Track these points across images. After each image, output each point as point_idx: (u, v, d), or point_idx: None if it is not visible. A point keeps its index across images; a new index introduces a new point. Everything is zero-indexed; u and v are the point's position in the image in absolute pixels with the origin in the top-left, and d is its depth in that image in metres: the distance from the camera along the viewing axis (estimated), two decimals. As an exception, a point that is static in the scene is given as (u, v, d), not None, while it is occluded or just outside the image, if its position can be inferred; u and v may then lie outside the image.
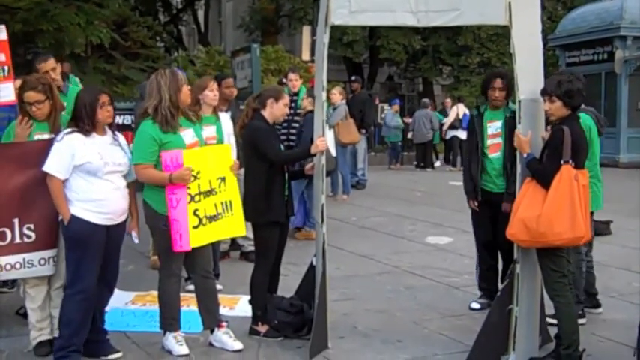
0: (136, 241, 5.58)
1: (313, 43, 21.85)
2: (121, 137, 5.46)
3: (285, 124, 9.38)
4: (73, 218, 5.11)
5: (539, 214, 5.03)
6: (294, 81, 10.27)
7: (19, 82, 6.76)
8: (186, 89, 5.57)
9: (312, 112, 9.11)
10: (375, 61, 32.39)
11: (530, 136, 5.25)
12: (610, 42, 21.32)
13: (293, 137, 9.63)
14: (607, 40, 21.40)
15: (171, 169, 5.34)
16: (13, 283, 6.71)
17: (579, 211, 5.02)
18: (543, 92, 5.27)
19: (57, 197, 5.12)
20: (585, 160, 5.31)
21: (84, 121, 5.17)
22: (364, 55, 31.39)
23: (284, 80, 14.18)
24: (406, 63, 31.79)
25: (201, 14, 40.99)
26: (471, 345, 5.42)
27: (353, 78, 18.11)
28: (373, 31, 28.66)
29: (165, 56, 34.31)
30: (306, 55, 21.97)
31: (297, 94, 10.08)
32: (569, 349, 5.15)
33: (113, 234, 5.33)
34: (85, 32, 23.94)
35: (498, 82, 6.57)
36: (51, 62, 6.42)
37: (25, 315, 6.04)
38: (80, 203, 5.14)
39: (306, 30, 22.54)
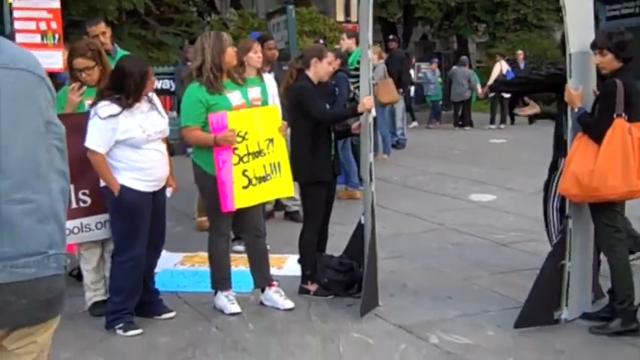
0: (168, 195, 5.59)
1: (347, 4, 21.78)
2: (155, 98, 5.43)
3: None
4: (123, 188, 5.11)
5: (592, 168, 4.96)
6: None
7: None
8: (231, 51, 5.55)
9: (341, 71, 9.18)
10: (409, 21, 32.15)
11: (582, 90, 5.16)
12: (652, -6, 20.87)
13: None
14: (649, -8, 20.95)
15: (218, 130, 5.36)
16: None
17: (633, 165, 4.94)
18: (594, 46, 5.17)
19: (102, 170, 5.12)
20: (639, 112, 5.21)
21: (129, 94, 5.10)
22: (398, 15, 31.12)
23: (320, 41, 14.14)
24: (440, 21, 31.48)
25: (233, -23, 40.80)
26: (521, 301, 5.39)
27: (390, 37, 17.95)
28: (407, -10, 28.42)
29: (199, 20, 34.31)
30: (340, 16, 21.79)
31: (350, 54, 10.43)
32: (624, 304, 5.10)
33: (158, 198, 5.37)
34: (117, -2, 24.00)
35: None
36: (101, 26, 6.45)
37: (78, 277, 6.15)
38: (128, 172, 5.14)
39: (340, -10, 22.31)
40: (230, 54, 5.55)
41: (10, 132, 2.24)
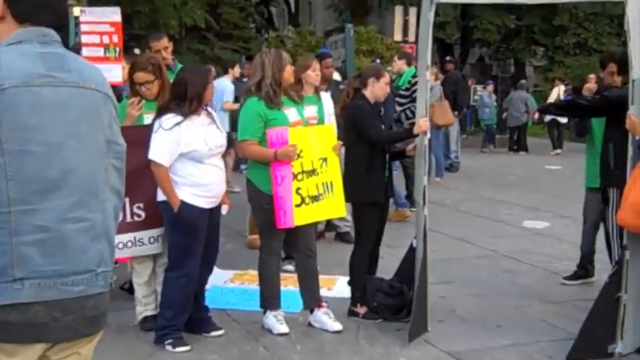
0: (224, 212, 5.61)
1: (405, 24, 21.69)
2: (213, 112, 5.46)
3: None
4: (183, 204, 5.12)
5: (652, 198, 4.86)
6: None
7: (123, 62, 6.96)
8: (289, 68, 5.58)
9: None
10: (466, 42, 32.00)
11: (644, 119, 5.07)
12: None
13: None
14: None
15: (277, 145, 5.36)
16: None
17: (693, 196, 4.83)
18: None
19: (164, 184, 5.12)
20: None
21: (191, 103, 5.12)
22: (455, 36, 31.02)
23: (378, 61, 14.14)
24: (498, 44, 31.27)
25: (291, -5, 41.18)
26: (573, 333, 5.29)
27: (447, 58, 17.88)
28: (465, 12, 28.27)
29: (257, 37, 34.69)
30: (397, 36, 21.71)
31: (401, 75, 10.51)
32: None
33: (214, 215, 5.39)
34: (179, 13, 24.41)
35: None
36: (164, 41, 6.55)
37: (129, 290, 6.21)
38: (188, 188, 5.15)
39: (398, 10, 22.20)
40: (289, 72, 5.59)
41: (76, 152, 2.28)
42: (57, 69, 2.28)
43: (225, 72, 12.32)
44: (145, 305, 5.67)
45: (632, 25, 5.01)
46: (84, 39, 6.81)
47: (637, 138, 5.04)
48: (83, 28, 6.74)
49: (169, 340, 5.25)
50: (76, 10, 16.28)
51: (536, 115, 19.64)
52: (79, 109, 2.31)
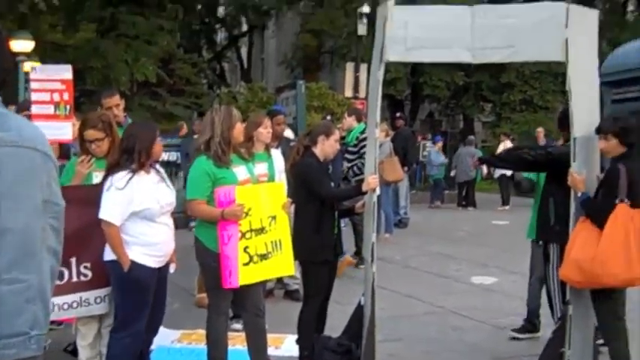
0: (172, 271, 5.56)
1: (356, 80, 22.02)
2: (161, 170, 5.45)
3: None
4: (133, 263, 5.06)
5: (594, 255, 4.95)
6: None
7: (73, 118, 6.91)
8: (239, 126, 5.58)
9: None
10: (416, 98, 32.51)
11: (585, 175, 5.18)
12: (657, 80, 21.11)
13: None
14: (653, 77, 21.20)
15: (225, 204, 5.35)
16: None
17: (635, 252, 4.93)
18: (598, 130, 5.23)
19: (115, 244, 5.05)
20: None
21: (140, 156, 5.08)
22: (406, 92, 31.50)
23: (328, 118, 14.27)
24: (447, 100, 31.85)
25: (244, 51, 41.60)
26: (521, 388, 5.33)
27: (397, 115, 18.12)
28: (415, 68, 28.78)
29: (209, 93, 34.84)
30: (349, 92, 22.04)
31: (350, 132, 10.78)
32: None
33: (162, 273, 5.34)
34: (131, 69, 24.47)
35: None
36: (116, 98, 6.55)
37: (72, 352, 6.10)
38: (139, 247, 5.10)
39: (349, 66, 22.62)
40: (238, 129, 5.58)
41: (11, 212, 2.23)
42: None
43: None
44: (90, 367, 5.55)
45: (573, 85, 5.15)
46: (34, 96, 6.76)
47: (579, 195, 5.15)
48: (33, 85, 6.69)
49: None
50: (27, 66, 16.18)
51: (484, 169, 19.88)
52: (17, 168, 2.26)
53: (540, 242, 6.37)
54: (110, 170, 5.16)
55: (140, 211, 5.06)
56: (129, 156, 5.09)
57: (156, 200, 5.13)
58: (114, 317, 5.33)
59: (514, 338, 7.00)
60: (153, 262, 5.15)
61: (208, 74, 36.97)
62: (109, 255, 5.14)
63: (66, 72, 6.55)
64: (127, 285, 5.11)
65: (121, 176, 5.03)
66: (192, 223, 9.00)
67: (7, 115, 2.34)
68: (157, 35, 26.48)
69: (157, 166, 5.39)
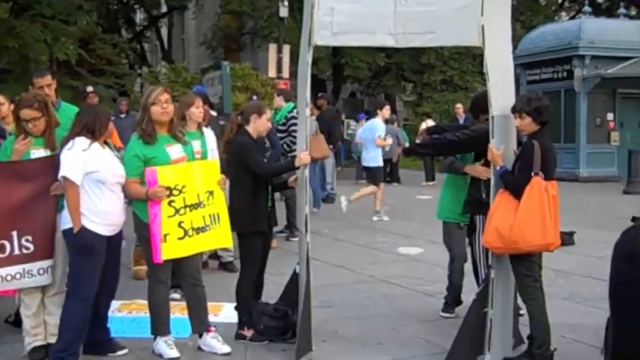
0: (124, 245, 5.86)
1: (279, 61, 22.18)
2: (111, 145, 5.75)
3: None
4: (84, 230, 5.34)
5: (512, 223, 5.35)
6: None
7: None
8: (156, 108, 5.73)
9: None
10: (338, 78, 32.82)
11: (503, 150, 5.57)
12: (569, 61, 21.91)
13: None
14: (566, 59, 21.99)
15: (151, 184, 5.63)
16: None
17: (549, 220, 5.36)
18: (514, 110, 5.61)
19: (73, 202, 5.32)
20: (554, 171, 5.64)
21: (98, 131, 5.48)
22: (328, 72, 31.78)
23: (254, 97, 14.52)
24: (369, 80, 32.29)
25: (164, 31, 41.15)
26: (447, 347, 5.71)
27: (319, 95, 18.41)
28: (337, 49, 29.04)
29: (131, 73, 34.45)
30: (272, 72, 22.20)
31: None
32: (542, 349, 5.49)
33: (114, 242, 5.63)
34: (51, 49, 24.04)
35: None
36: (47, 78, 6.60)
37: (14, 323, 6.27)
38: (89, 215, 5.38)
39: (272, 47, 22.73)
40: (155, 110, 5.74)
41: None
42: None
43: (376, 113, 13.81)
44: (34, 336, 5.72)
45: (491, 68, 5.54)
46: None
47: (497, 168, 5.55)
48: None
49: None
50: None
51: (397, 155, 20.24)
52: None
53: (461, 223, 6.74)
54: (70, 137, 5.44)
55: (93, 172, 5.36)
56: (88, 129, 5.43)
57: (109, 169, 5.46)
58: (67, 283, 5.58)
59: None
60: (104, 230, 5.44)
61: (129, 54, 36.56)
62: (65, 224, 5.41)
63: None
64: (76, 248, 5.39)
65: (83, 140, 5.38)
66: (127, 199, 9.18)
67: None
68: (75, 15, 26.06)
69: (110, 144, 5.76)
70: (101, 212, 5.43)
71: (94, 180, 5.40)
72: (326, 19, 5.73)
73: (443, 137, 6.60)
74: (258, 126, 6.32)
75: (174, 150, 5.83)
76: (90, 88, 12.19)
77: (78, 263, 5.45)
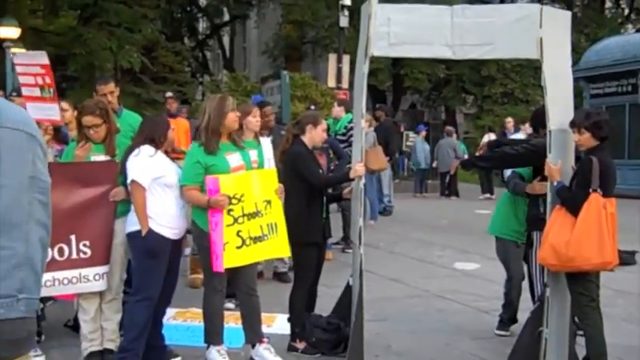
0: (186, 253, 5.93)
1: (339, 71, 22.20)
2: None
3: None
4: (151, 232, 5.47)
5: (568, 239, 5.25)
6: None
7: (64, 104, 7.11)
8: (232, 115, 5.85)
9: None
10: (398, 89, 32.75)
11: (560, 165, 5.48)
12: (634, 74, 21.47)
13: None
14: (631, 72, 21.54)
15: (212, 192, 5.65)
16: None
17: (607, 238, 5.24)
18: (572, 124, 5.51)
19: (140, 205, 5.48)
20: (613, 188, 5.52)
21: (159, 140, 5.64)
22: (387, 83, 31.74)
23: (312, 107, 14.56)
24: (429, 91, 32.16)
25: (226, 40, 41.60)
26: (501, 366, 5.64)
27: (377, 106, 18.38)
28: (397, 60, 29.01)
29: (192, 81, 34.92)
30: (331, 82, 22.24)
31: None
32: (598, 371, 5.37)
33: (176, 247, 5.74)
34: (115, 56, 24.53)
35: None
36: (110, 86, 6.73)
37: (72, 327, 6.37)
38: (157, 217, 5.52)
39: (332, 57, 22.79)
40: (231, 117, 5.84)
41: None
42: None
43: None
44: (91, 341, 5.81)
45: (549, 81, 5.46)
46: (21, 80, 6.99)
47: (554, 184, 5.46)
48: (18, 69, 6.90)
49: None
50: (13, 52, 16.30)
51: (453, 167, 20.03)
52: (1, 147, 2.46)
53: (519, 242, 6.64)
54: (134, 146, 5.63)
55: (161, 177, 5.53)
56: (150, 139, 5.59)
57: (175, 174, 5.64)
58: (130, 283, 5.75)
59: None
60: (168, 232, 5.58)
61: (191, 62, 37.04)
62: (130, 226, 5.56)
63: (42, 57, 6.71)
64: (143, 250, 5.51)
65: (148, 147, 5.56)
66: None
67: None
68: (139, 23, 26.56)
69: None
70: (167, 216, 5.57)
71: (162, 184, 5.55)
72: (383, 29, 5.72)
73: (501, 151, 6.53)
74: (314, 136, 6.34)
75: (234, 158, 5.87)
76: (169, 94, 12.39)
77: (143, 265, 5.59)
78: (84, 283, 5.68)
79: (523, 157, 6.33)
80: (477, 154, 7.76)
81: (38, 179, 2.58)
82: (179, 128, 10.23)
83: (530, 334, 5.55)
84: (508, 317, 6.98)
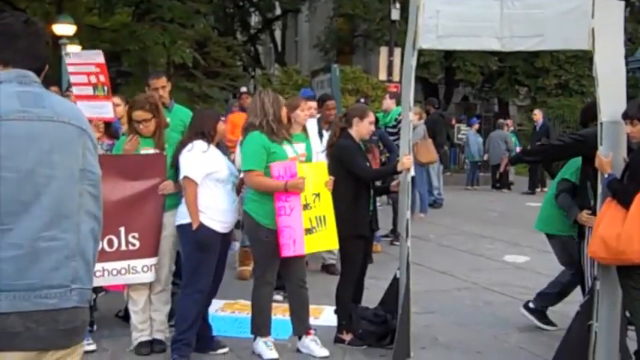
0: (236, 248, 5.97)
1: (390, 64, 22.13)
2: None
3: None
4: (202, 226, 5.53)
5: (619, 232, 5.14)
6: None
7: (116, 99, 7.19)
8: (285, 109, 5.96)
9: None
10: (450, 82, 32.52)
11: (612, 158, 5.39)
12: (692, 65, 21.05)
13: None
14: (689, 62, 21.14)
15: (283, 178, 5.67)
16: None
17: (659, 231, 5.14)
18: (625, 116, 5.41)
19: (191, 200, 5.54)
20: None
21: (210, 134, 5.67)
22: (439, 76, 31.53)
23: (362, 100, 14.55)
24: (482, 84, 31.85)
25: (278, 34, 41.75)
26: (549, 359, 5.57)
27: (427, 100, 18.29)
28: (449, 52, 28.78)
29: (244, 75, 35.14)
30: (382, 75, 22.19)
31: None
32: (649, 365, 5.28)
33: (225, 240, 5.81)
34: (168, 51, 24.81)
35: None
36: (162, 80, 6.81)
37: (123, 317, 6.48)
38: (209, 212, 5.58)
39: (383, 50, 22.74)
40: (284, 112, 5.98)
41: (47, 178, 2.53)
42: (32, 105, 2.57)
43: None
44: (141, 331, 5.91)
45: (601, 72, 5.37)
46: (72, 79, 7.01)
47: (605, 176, 5.37)
48: (70, 69, 6.92)
49: (174, 356, 5.62)
50: (69, 49, 16.64)
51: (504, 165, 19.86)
52: (52, 140, 2.57)
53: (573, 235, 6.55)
54: (186, 142, 5.70)
55: (213, 172, 5.57)
56: (201, 134, 5.64)
57: (227, 169, 5.69)
58: (181, 276, 5.83)
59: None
60: (219, 227, 5.63)
61: (243, 57, 37.25)
62: (180, 219, 5.64)
63: (97, 56, 6.80)
64: (194, 243, 5.57)
65: (201, 142, 5.61)
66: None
67: (42, 94, 2.66)
68: (192, 18, 26.81)
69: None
70: (219, 210, 5.63)
71: (214, 179, 5.60)
72: (431, 21, 5.68)
73: (548, 143, 6.46)
74: (361, 129, 6.32)
75: (288, 150, 5.93)
76: (244, 89, 12.49)
77: (194, 258, 5.65)
78: (132, 274, 5.77)
79: (571, 148, 6.23)
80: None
81: (88, 172, 2.66)
82: None
83: (579, 328, 5.46)
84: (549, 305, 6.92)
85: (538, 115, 19.51)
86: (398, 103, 11.35)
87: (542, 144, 6.61)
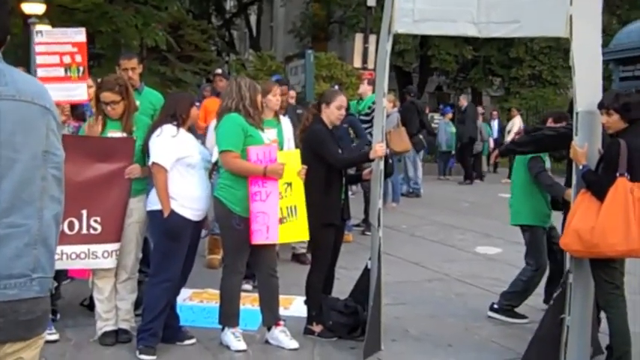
0: (203, 235, 5.85)
1: (365, 51, 21.99)
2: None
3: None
4: (172, 213, 5.39)
5: (593, 225, 5.09)
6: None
7: (88, 81, 7.00)
8: (260, 96, 5.84)
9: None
10: (424, 71, 32.46)
11: (587, 148, 5.31)
12: (666, 57, 21.10)
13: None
14: (663, 55, 21.18)
15: (264, 162, 5.53)
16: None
17: (633, 224, 5.05)
18: (601, 106, 5.33)
19: (161, 187, 5.39)
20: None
21: (181, 118, 5.53)
22: (414, 64, 31.48)
23: (335, 87, 14.43)
24: (456, 73, 31.84)
25: (253, 19, 41.45)
26: (521, 353, 5.51)
27: (404, 89, 18.21)
28: (424, 41, 28.75)
29: (218, 60, 34.84)
30: (357, 62, 22.05)
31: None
32: (620, 360, 5.23)
33: (196, 228, 5.66)
34: (141, 34, 24.49)
35: None
36: (133, 61, 6.67)
37: (88, 306, 6.32)
38: (180, 199, 5.44)
39: (358, 37, 22.58)
40: (260, 99, 5.87)
41: (9, 161, 2.36)
42: None
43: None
44: (106, 321, 5.76)
45: (577, 61, 5.28)
46: (39, 59, 6.71)
47: (580, 167, 5.30)
48: (38, 48, 6.64)
49: (140, 346, 5.49)
50: (38, 28, 16.30)
51: (491, 143, 20.02)
52: (14, 119, 2.38)
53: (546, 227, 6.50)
54: (156, 125, 5.56)
55: (184, 157, 5.43)
56: (172, 117, 5.50)
57: (198, 151, 5.54)
58: (149, 264, 5.72)
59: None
60: (190, 214, 5.49)
61: (217, 41, 36.96)
62: (151, 205, 5.50)
63: (78, 34, 6.59)
64: (164, 231, 5.43)
65: (170, 127, 5.46)
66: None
67: (3, 70, 2.45)
68: (166, 1, 26.47)
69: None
70: (191, 197, 5.49)
71: (185, 165, 5.46)
72: (407, 5, 5.58)
73: (540, 133, 6.40)
74: (329, 114, 6.16)
75: (264, 137, 5.81)
76: (218, 71, 11.71)
77: (164, 246, 5.52)
78: (92, 259, 5.60)
79: (564, 137, 6.14)
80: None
81: (52, 154, 2.49)
82: None
83: (551, 322, 5.40)
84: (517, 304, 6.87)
85: (515, 111, 19.72)
86: (374, 91, 11.22)
87: (534, 134, 6.54)
